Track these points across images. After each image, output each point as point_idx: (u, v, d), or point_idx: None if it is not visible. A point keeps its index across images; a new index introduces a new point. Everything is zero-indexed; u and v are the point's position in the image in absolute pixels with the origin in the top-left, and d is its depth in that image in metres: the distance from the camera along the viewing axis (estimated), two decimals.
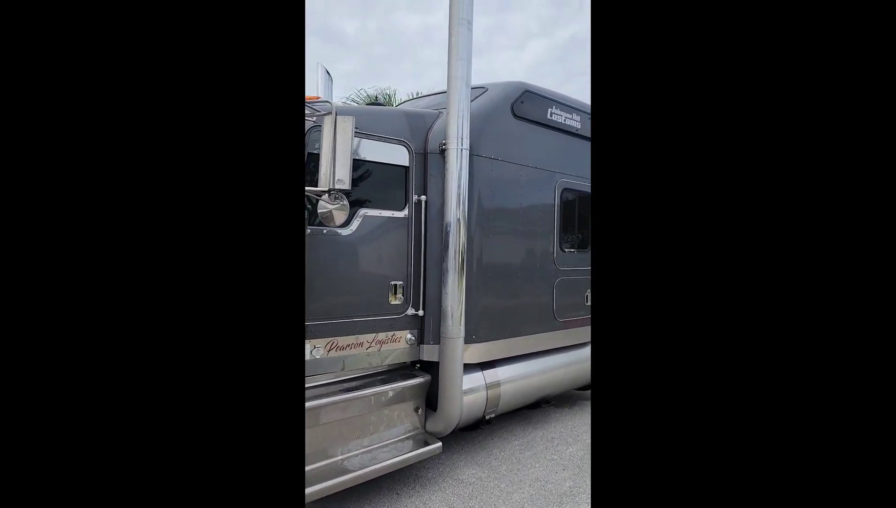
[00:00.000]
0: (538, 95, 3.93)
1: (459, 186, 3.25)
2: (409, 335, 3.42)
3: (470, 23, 3.20)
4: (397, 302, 3.34)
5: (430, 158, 3.43)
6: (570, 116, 4.24)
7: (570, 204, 4.38)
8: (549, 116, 4.04)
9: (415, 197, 3.38)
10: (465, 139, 3.24)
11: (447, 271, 3.29)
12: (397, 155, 3.35)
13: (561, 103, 4.14)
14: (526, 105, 3.84)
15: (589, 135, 4.50)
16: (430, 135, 3.45)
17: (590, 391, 5.41)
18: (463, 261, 3.28)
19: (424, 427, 3.57)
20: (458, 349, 3.31)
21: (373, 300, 3.22)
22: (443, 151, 3.35)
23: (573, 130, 4.29)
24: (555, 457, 3.84)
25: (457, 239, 3.26)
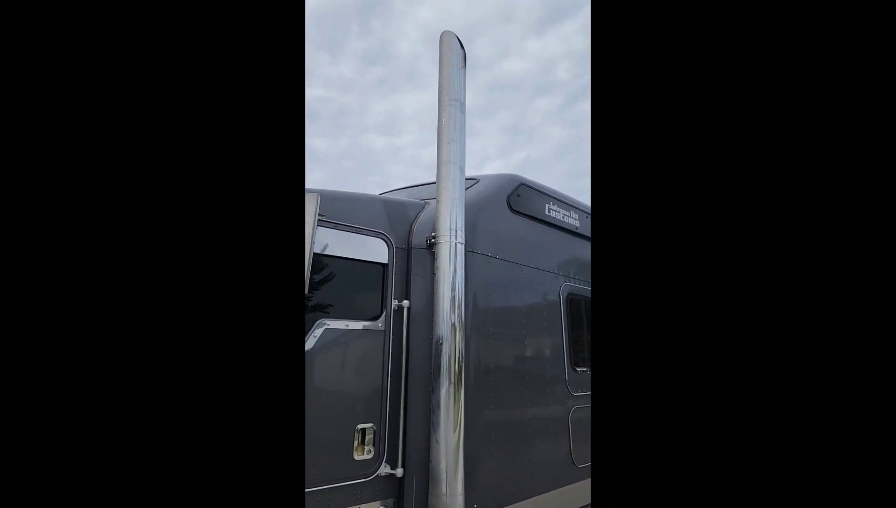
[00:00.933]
0: (534, 189, 3.49)
1: (454, 287, 2.52)
2: None
3: (462, 104, 2.81)
4: (365, 456, 2.33)
5: (414, 254, 2.74)
6: (568, 213, 3.79)
7: (578, 312, 3.70)
8: (547, 212, 3.55)
9: (394, 302, 2.60)
10: (459, 232, 2.61)
11: (439, 405, 2.38)
12: (373, 250, 2.65)
13: (558, 200, 3.71)
14: (522, 199, 3.36)
15: (589, 235, 4.03)
16: (415, 227, 2.81)
17: None
18: (457, 388, 2.40)
19: None
20: None
21: (328, 457, 2.20)
22: (431, 246, 2.68)
23: (573, 229, 3.81)
24: None
25: (451, 357, 2.42)
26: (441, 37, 2.87)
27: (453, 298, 2.52)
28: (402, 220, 2.80)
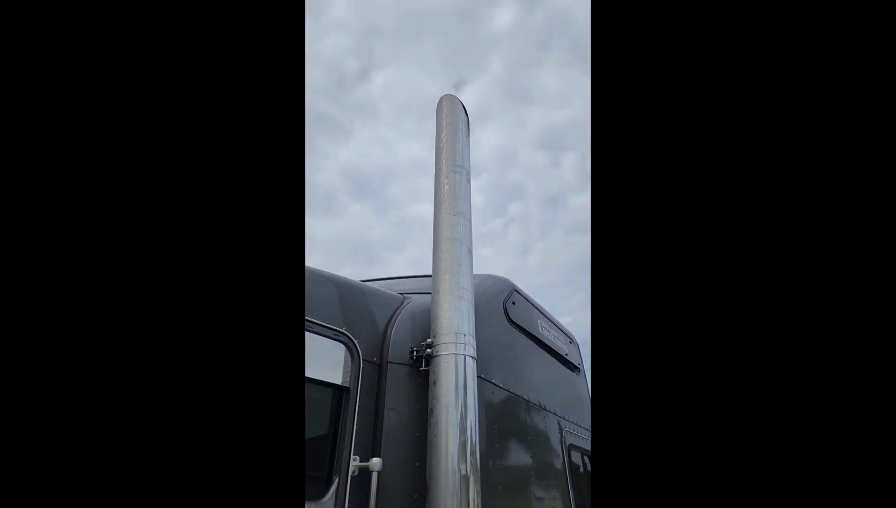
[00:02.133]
0: (524, 297, 2.78)
1: (465, 425, 1.51)
2: None
3: (468, 172, 2.17)
4: None
5: (389, 373, 1.71)
6: (557, 335, 3.08)
7: (579, 470, 2.74)
8: (540, 330, 2.81)
9: (354, 462, 1.47)
10: (469, 338, 1.71)
11: None
12: (322, 362, 1.61)
13: (546, 317, 3.02)
14: (518, 309, 2.61)
15: (576, 365, 3.30)
16: (393, 331, 1.82)
17: None
18: None
19: None
20: None
21: None
22: (420, 360, 1.72)
23: (563, 357, 3.07)
24: None
25: None
26: (442, 100, 2.35)
27: (464, 443, 1.49)
28: (370, 316, 1.82)
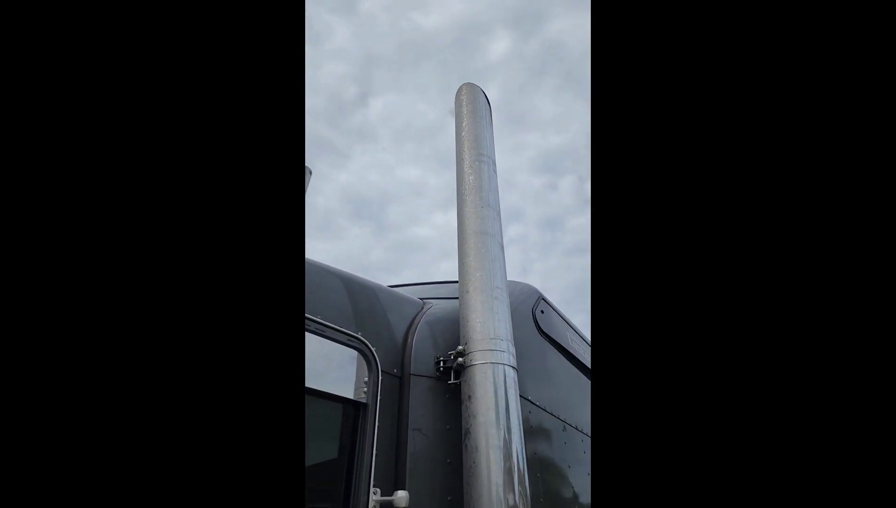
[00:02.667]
0: (552, 306, 2.53)
1: (511, 450, 1.24)
2: None
3: (494, 162, 1.96)
4: None
5: (413, 387, 1.44)
6: (586, 350, 2.81)
7: None
8: (570, 343, 2.54)
9: (375, 496, 1.19)
10: (507, 342, 1.45)
11: None
12: (335, 373, 1.35)
13: (574, 330, 2.75)
14: (547, 318, 2.35)
15: None
16: (415, 339, 1.56)
17: None
18: None
19: None
20: None
21: None
22: (447, 370, 1.45)
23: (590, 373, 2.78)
24: None
25: None
26: (461, 88, 2.16)
27: (510, 469, 1.21)
28: (389, 321, 1.56)
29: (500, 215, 1.78)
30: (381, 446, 1.30)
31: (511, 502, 1.18)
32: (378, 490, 1.22)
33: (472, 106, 2.06)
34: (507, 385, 1.36)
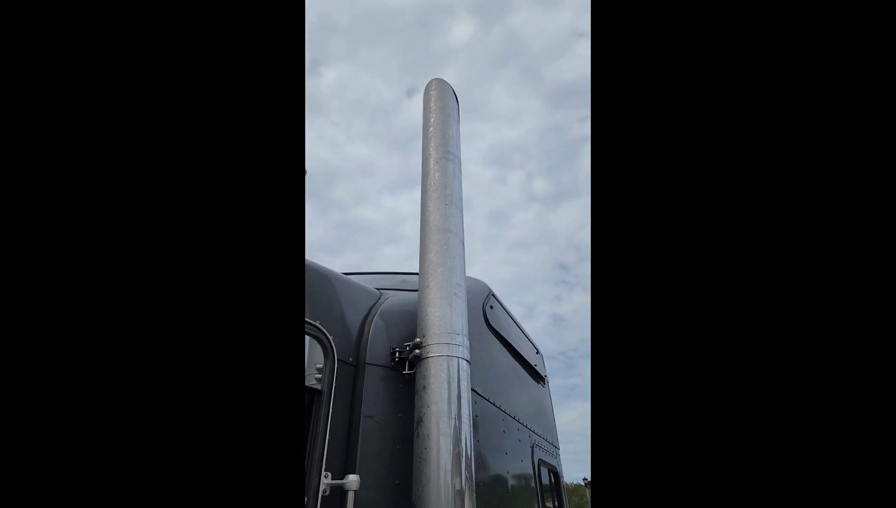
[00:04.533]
0: (500, 303, 2.65)
1: (460, 436, 1.32)
2: None
3: (459, 160, 2.01)
4: None
5: (368, 376, 1.48)
6: (528, 345, 2.97)
7: (547, 489, 2.62)
8: (514, 338, 2.68)
9: (326, 479, 1.23)
10: (463, 337, 1.53)
11: None
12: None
13: (517, 325, 2.90)
14: (496, 314, 2.46)
15: (542, 376, 3.21)
16: (371, 329, 1.59)
17: None
18: None
19: None
20: None
21: None
22: (402, 361, 1.51)
23: (533, 367, 2.96)
24: None
25: None
26: (430, 83, 2.18)
27: (458, 455, 1.29)
28: (345, 310, 1.58)
29: (462, 213, 1.85)
30: (334, 431, 1.33)
31: (458, 486, 1.27)
32: (329, 473, 1.25)
33: (441, 103, 2.09)
34: (461, 378, 1.43)
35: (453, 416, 1.35)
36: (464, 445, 1.33)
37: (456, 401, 1.38)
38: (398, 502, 1.34)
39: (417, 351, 1.47)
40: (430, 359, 1.44)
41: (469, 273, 2.12)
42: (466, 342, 1.53)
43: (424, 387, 1.41)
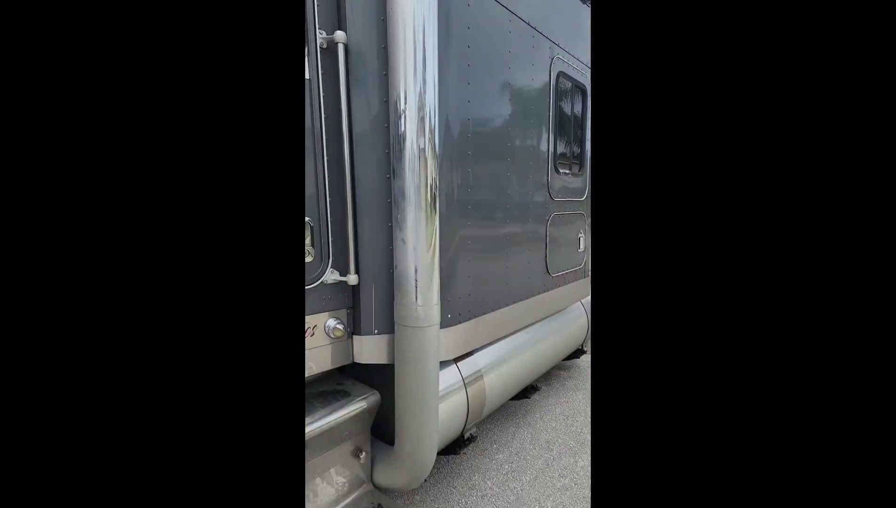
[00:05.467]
0: None
1: (421, 25, 1.57)
2: (331, 322, 1.78)
3: None
4: (307, 258, 1.67)
5: None
6: None
7: (566, 99, 2.93)
8: None
9: (321, 35, 1.62)
10: None
11: (404, 196, 1.67)
12: None
13: None
14: None
15: None
16: None
17: (570, 362, 4.26)
18: (433, 195, 1.69)
19: (372, 480, 2.04)
20: (430, 342, 1.76)
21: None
22: None
23: None
24: (564, 481, 2.57)
25: (424, 183, 1.65)
26: None
27: (417, 44, 1.59)
28: None
29: None
30: None
31: (415, 88, 1.58)
32: (323, 31, 1.62)
33: None
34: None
35: (419, 80, 1.56)
36: (417, 22, 1.57)
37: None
38: (382, 58, 1.66)
39: None
40: None
41: None
42: None
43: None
